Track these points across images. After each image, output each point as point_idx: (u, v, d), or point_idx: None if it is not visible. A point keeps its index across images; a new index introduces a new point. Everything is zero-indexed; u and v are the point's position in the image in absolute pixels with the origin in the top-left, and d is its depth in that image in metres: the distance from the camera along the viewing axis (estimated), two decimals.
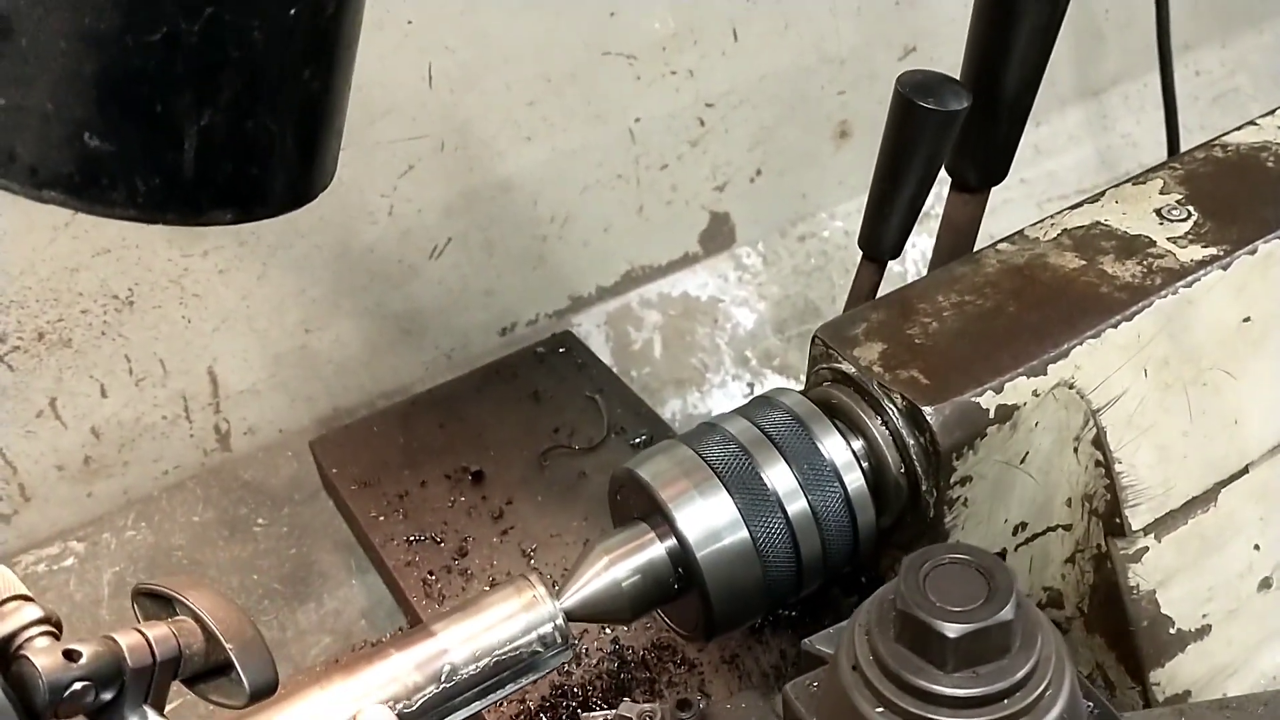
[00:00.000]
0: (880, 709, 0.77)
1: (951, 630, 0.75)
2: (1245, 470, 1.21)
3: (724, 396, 2.23)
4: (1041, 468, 1.14)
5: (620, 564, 1.04)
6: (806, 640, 0.91)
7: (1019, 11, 1.21)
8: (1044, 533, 1.19)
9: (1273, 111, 1.35)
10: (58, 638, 0.76)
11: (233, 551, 2.01)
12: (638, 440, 1.57)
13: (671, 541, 1.04)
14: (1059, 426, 1.12)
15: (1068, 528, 1.19)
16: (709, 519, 1.04)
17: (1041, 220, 1.25)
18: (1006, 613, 0.75)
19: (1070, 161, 2.71)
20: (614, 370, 1.74)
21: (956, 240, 1.37)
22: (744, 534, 1.04)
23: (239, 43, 0.75)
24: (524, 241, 2.14)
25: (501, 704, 1.27)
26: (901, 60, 2.40)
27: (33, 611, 0.76)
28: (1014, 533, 1.17)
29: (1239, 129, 1.33)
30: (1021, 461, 1.12)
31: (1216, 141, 1.31)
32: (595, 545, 1.05)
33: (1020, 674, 0.76)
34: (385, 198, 1.97)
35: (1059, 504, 1.17)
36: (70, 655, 0.74)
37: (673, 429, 1.66)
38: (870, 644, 0.79)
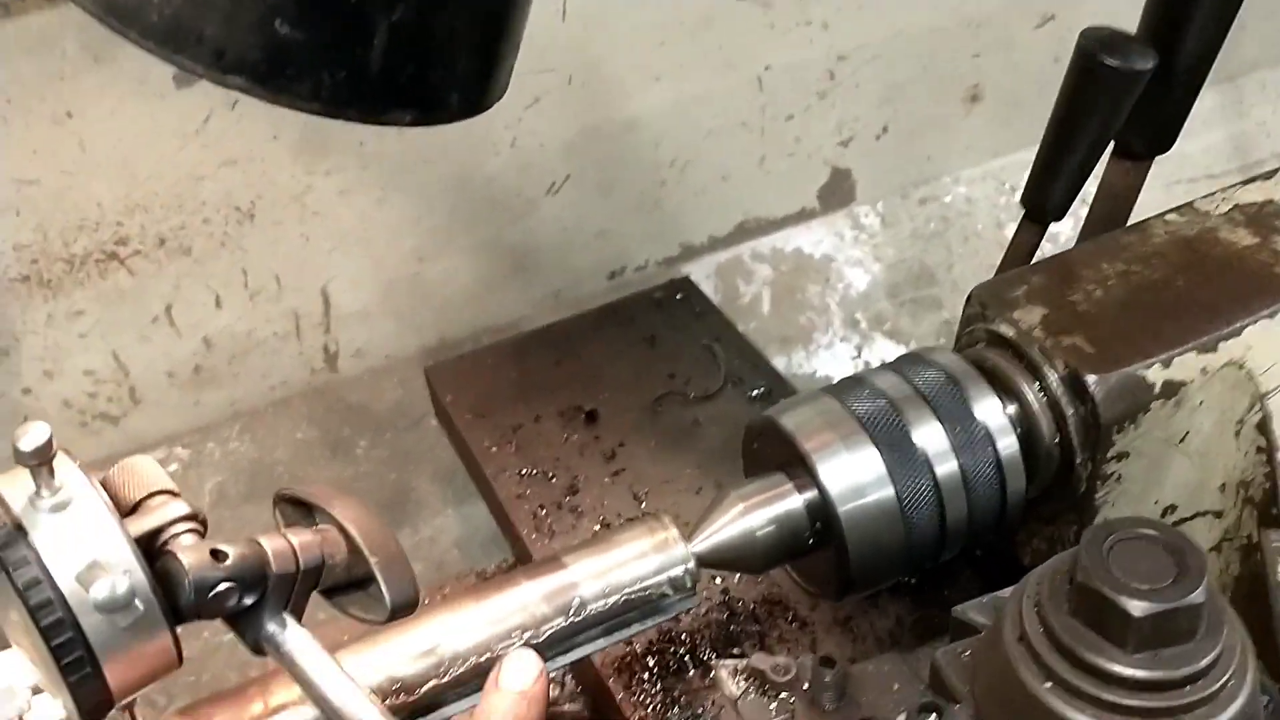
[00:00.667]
0: (1049, 684, 0.72)
1: (1137, 609, 0.69)
2: None
3: (830, 358, 2.18)
4: (1200, 449, 1.08)
5: (756, 513, 1.00)
6: (958, 608, 0.86)
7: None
8: (1192, 517, 1.12)
9: None
10: (203, 536, 0.73)
11: (333, 472, 2.00)
12: (754, 393, 1.52)
13: (812, 494, 1.00)
14: (1223, 408, 1.05)
15: (1218, 514, 1.12)
16: (854, 473, 0.99)
17: (1211, 194, 1.18)
18: (1197, 595, 0.70)
19: (1202, 145, 2.59)
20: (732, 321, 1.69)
21: (1113, 209, 1.30)
22: (889, 491, 0.99)
23: None
24: (641, 184, 2.09)
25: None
26: (1038, 29, 2.31)
27: (180, 507, 0.73)
28: (1162, 515, 1.10)
29: None
30: (1180, 441, 1.06)
31: None
32: (730, 492, 1.01)
33: (1205, 661, 0.70)
34: (509, 129, 1.93)
35: (1212, 488, 1.11)
36: (217, 555, 0.72)
37: (791, 384, 1.61)
38: (1041, 616, 0.74)
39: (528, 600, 0.93)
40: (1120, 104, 1.11)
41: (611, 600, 0.94)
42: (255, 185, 1.80)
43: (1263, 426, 1.06)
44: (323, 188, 1.85)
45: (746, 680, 0.94)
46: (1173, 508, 1.11)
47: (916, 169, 2.34)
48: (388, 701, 0.88)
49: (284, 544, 0.75)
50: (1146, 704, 0.70)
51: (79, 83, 1.62)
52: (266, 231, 1.85)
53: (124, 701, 0.77)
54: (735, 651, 1.21)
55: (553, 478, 1.41)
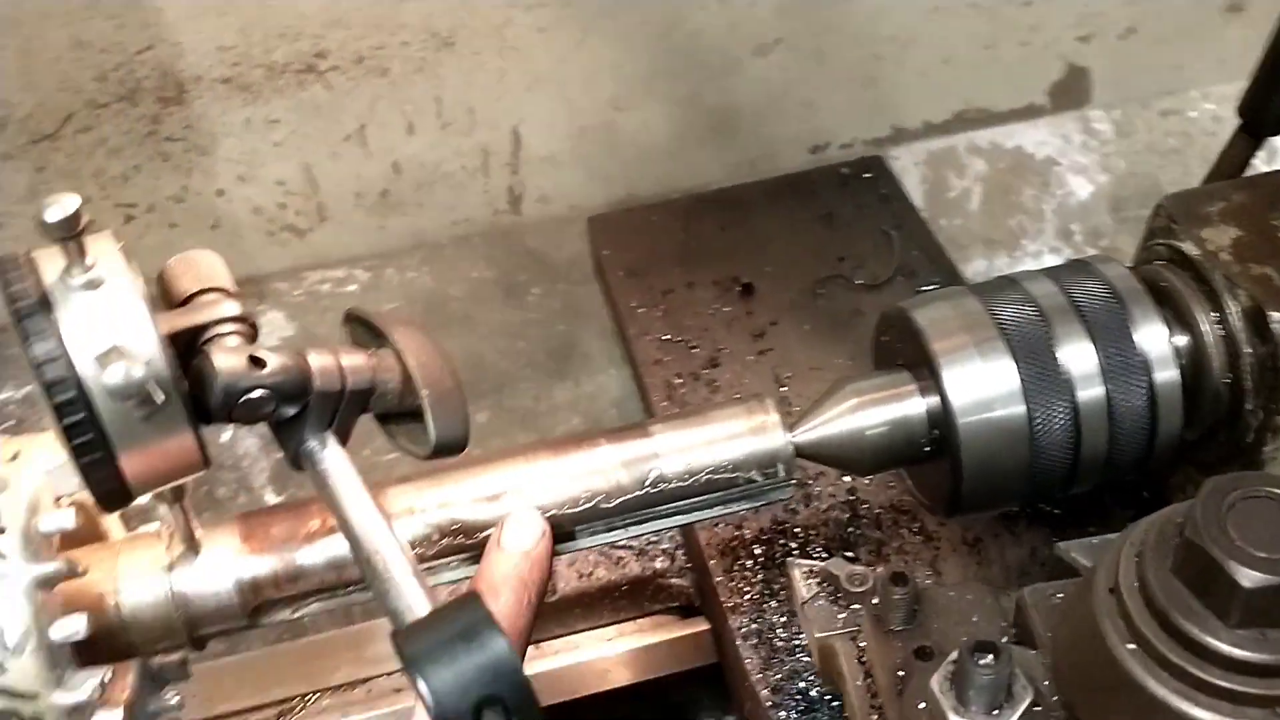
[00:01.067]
0: (1132, 645, 0.62)
1: (1248, 578, 0.58)
2: None
3: (1034, 267, 2.01)
4: None
5: (870, 410, 0.91)
6: (1062, 544, 0.76)
7: None
8: None
9: None
10: (252, 340, 0.71)
11: (505, 315, 1.99)
12: (926, 288, 1.41)
13: (934, 399, 0.90)
14: None
15: None
16: (983, 384, 0.88)
17: None
18: None
19: None
20: (919, 211, 1.56)
21: None
22: (1020, 410, 0.88)
23: None
24: (857, 57, 1.96)
25: (716, 525, 1.18)
26: None
27: (230, 307, 0.71)
28: None
29: None
30: None
31: None
32: (846, 384, 0.92)
33: None
34: None
35: None
36: (255, 362, 0.69)
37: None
38: (1139, 569, 0.63)
39: (605, 464, 0.87)
40: None
41: (693, 479, 0.87)
42: (456, 12, 1.77)
43: None
44: (523, 22, 1.80)
45: (819, 584, 0.87)
46: None
47: (1163, 78, 2.11)
48: (444, 541, 0.85)
49: (331, 362, 0.72)
50: (1242, 688, 0.59)
51: None
52: (464, 61, 1.82)
53: (169, 495, 0.76)
54: (848, 555, 1.14)
55: (695, 348, 1.35)
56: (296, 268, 1.95)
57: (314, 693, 1.29)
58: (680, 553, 1.31)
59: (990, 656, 0.65)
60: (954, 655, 0.66)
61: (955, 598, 0.81)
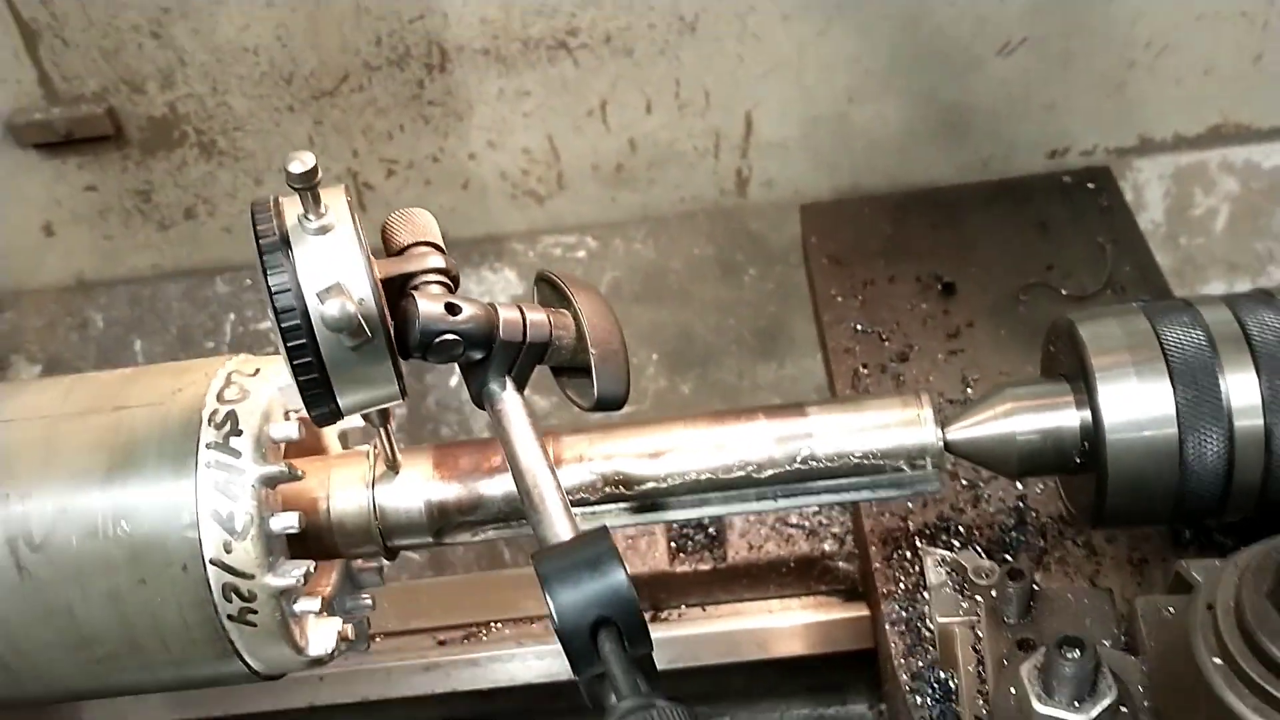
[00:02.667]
0: (1219, 660, 0.66)
1: None
2: None
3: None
4: None
5: (1023, 416, 0.96)
6: (1183, 562, 0.80)
7: None
8: None
9: None
10: (453, 290, 0.83)
11: (719, 292, 2.09)
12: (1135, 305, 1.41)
13: (1087, 413, 0.94)
14: None
15: None
16: (1137, 404, 0.92)
17: None
18: None
19: None
20: (1142, 226, 1.56)
21: None
22: (1172, 432, 0.91)
23: None
24: (1108, 61, 1.94)
25: (883, 514, 1.25)
26: None
27: (437, 260, 0.83)
28: None
29: None
30: None
31: None
32: (1004, 387, 0.97)
33: None
34: None
35: None
36: (451, 309, 0.81)
37: None
38: (1238, 589, 0.67)
39: (761, 438, 0.96)
40: None
41: (841, 461, 0.95)
42: None
43: None
44: (766, 9, 1.88)
45: (949, 572, 0.92)
46: None
47: None
48: (607, 489, 0.95)
49: (516, 316, 0.83)
50: None
51: None
52: (705, 45, 1.92)
53: (376, 418, 0.90)
54: (1006, 558, 1.18)
55: (886, 340, 1.41)
56: (533, 230, 2.10)
57: (498, 622, 1.43)
58: (849, 537, 1.38)
59: (1076, 651, 0.69)
60: (1045, 648, 0.72)
61: (1073, 600, 0.85)
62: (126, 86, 1.93)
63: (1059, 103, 1.97)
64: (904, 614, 1.17)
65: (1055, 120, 1.98)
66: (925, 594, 1.18)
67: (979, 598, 0.90)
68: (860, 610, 1.36)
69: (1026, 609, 0.84)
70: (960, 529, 1.23)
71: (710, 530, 1.40)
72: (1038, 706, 0.71)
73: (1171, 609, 0.76)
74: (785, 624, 1.37)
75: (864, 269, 1.50)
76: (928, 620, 1.15)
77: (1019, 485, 1.25)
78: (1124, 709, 0.71)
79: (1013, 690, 0.74)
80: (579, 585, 0.68)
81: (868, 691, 1.51)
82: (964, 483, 1.23)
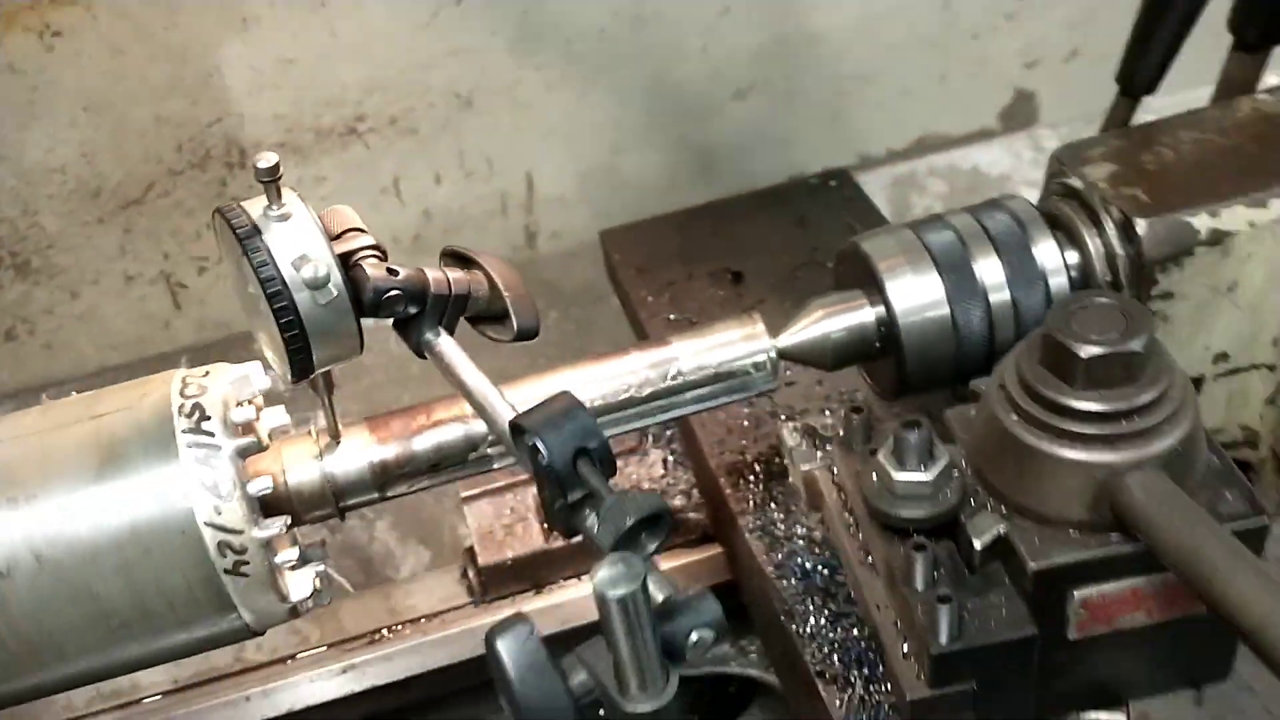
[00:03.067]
0: (1016, 417, 0.93)
1: (1085, 351, 0.89)
2: None
3: None
4: (1251, 302, 1.23)
5: (832, 319, 1.22)
6: (974, 381, 1.07)
7: None
8: (1247, 369, 1.28)
9: None
10: (383, 260, 1.02)
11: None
12: None
13: (881, 309, 1.21)
14: (1273, 264, 1.21)
15: (1271, 368, 1.27)
16: (917, 293, 1.20)
17: None
18: (1136, 344, 0.89)
19: None
20: (879, 209, 1.89)
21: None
22: (945, 312, 1.19)
23: None
24: (824, 95, 2.31)
25: (722, 452, 1.48)
26: None
27: (368, 239, 1.02)
28: (1214, 361, 1.26)
29: None
30: (1229, 290, 1.22)
31: None
32: (813, 300, 1.24)
33: (1141, 401, 0.90)
34: (700, 36, 2.18)
35: (1265, 341, 1.26)
36: (391, 271, 1.01)
37: None
38: (1018, 368, 0.95)
39: (637, 366, 1.19)
40: None
41: (703, 373, 1.19)
42: (474, 75, 2.12)
43: None
44: (532, 81, 2.15)
45: (802, 436, 1.17)
46: (1225, 355, 1.26)
47: (1105, 95, 2.46)
48: None
49: (441, 275, 1.04)
50: (1092, 431, 0.90)
51: None
52: (482, 118, 2.17)
53: (324, 386, 1.08)
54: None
55: (696, 322, 1.66)
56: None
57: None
58: (694, 491, 1.61)
59: (915, 428, 0.94)
60: (892, 434, 0.96)
61: (896, 419, 1.11)
62: None
63: (789, 135, 2.32)
64: (759, 522, 1.41)
65: (788, 150, 2.33)
66: (773, 505, 1.43)
67: (830, 447, 1.14)
68: (714, 550, 1.59)
69: (868, 437, 1.09)
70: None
71: None
72: (896, 475, 0.96)
73: (973, 411, 1.03)
74: None
75: (665, 272, 1.76)
76: (777, 524, 1.40)
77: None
78: (955, 471, 0.96)
79: (875, 474, 0.98)
80: (559, 428, 0.88)
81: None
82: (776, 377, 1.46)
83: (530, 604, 1.64)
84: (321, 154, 2.13)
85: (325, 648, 1.63)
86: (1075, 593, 0.93)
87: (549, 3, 2.08)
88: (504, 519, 1.64)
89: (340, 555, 2.06)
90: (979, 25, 2.31)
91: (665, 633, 0.83)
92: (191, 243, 2.15)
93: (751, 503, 1.43)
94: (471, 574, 1.65)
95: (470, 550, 1.65)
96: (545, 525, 1.61)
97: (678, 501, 1.61)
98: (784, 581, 1.34)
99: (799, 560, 1.36)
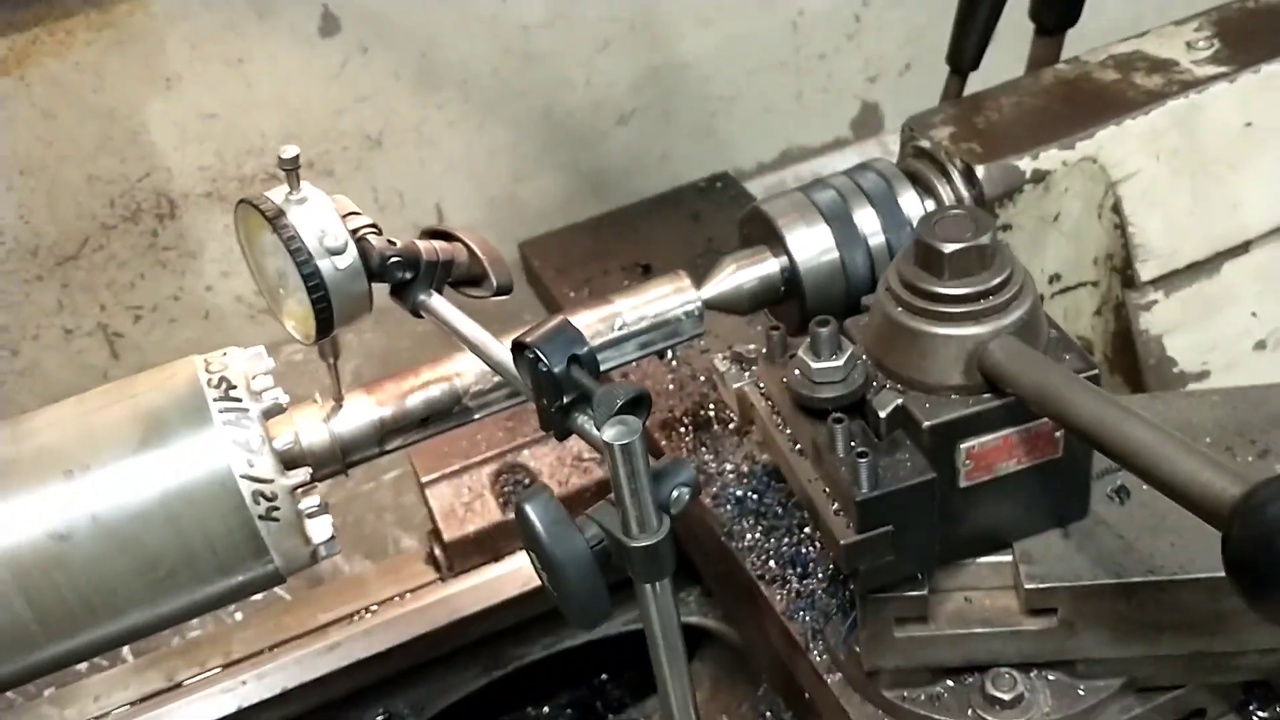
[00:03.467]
0: (900, 309, 1.21)
1: (947, 248, 1.18)
2: (1247, 248, 1.58)
3: None
4: (1072, 230, 1.54)
5: (743, 271, 1.49)
6: (864, 298, 1.35)
7: None
8: (1076, 287, 1.59)
9: None
10: (380, 233, 1.26)
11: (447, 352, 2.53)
12: None
13: (783, 259, 1.49)
14: (1086, 195, 1.52)
15: (1095, 284, 1.59)
16: (811, 243, 1.48)
17: (1095, 48, 1.65)
18: (985, 239, 1.18)
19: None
20: None
21: None
22: (835, 256, 1.48)
23: None
24: (696, 116, 2.61)
25: (654, 413, 1.74)
26: None
27: (367, 220, 1.26)
28: (1050, 282, 1.57)
29: None
30: (1054, 220, 1.53)
31: None
32: (726, 258, 1.51)
33: (994, 284, 1.18)
34: (583, 69, 2.47)
35: (1088, 263, 1.57)
36: (390, 243, 1.24)
37: None
38: (898, 271, 1.23)
39: (588, 320, 1.44)
40: None
41: (643, 324, 1.44)
42: (382, 117, 2.36)
43: (1116, 208, 1.52)
44: (435, 119, 2.40)
45: (731, 362, 1.43)
46: (1058, 276, 1.58)
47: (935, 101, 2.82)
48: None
49: (430, 245, 1.28)
50: (959, 311, 1.18)
51: (246, 33, 2.19)
52: (391, 155, 2.41)
53: (331, 351, 1.30)
54: None
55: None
56: (275, 342, 2.46)
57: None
58: None
59: (827, 325, 1.21)
60: (809, 332, 1.23)
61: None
62: None
63: (669, 153, 2.62)
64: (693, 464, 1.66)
65: (670, 166, 2.62)
66: (704, 448, 1.68)
67: (754, 368, 1.40)
68: None
69: (784, 350, 1.35)
70: (712, 407, 1.75)
71: (525, 481, 1.85)
72: (814, 364, 1.22)
73: (864, 319, 1.30)
74: None
75: (582, 271, 2.03)
76: (709, 464, 1.66)
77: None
78: (858, 361, 1.24)
79: (796, 370, 1.25)
80: (553, 340, 1.12)
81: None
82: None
83: (492, 572, 1.86)
84: None
85: (310, 632, 1.83)
86: (961, 445, 1.20)
87: (445, 48, 2.34)
88: (463, 497, 1.86)
89: (296, 583, 2.25)
90: (824, 46, 2.64)
91: (653, 492, 1.07)
92: (126, 293, 2.33)
93: (685, 450, 1.69)
94: (438, 551, 1.87)
95: (434, 530, 1.87)
96: (499, 499, 1.84)
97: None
98: (720, 509, 1.60)
99: (730, 490, 1.62)
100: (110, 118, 2.19)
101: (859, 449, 1.18)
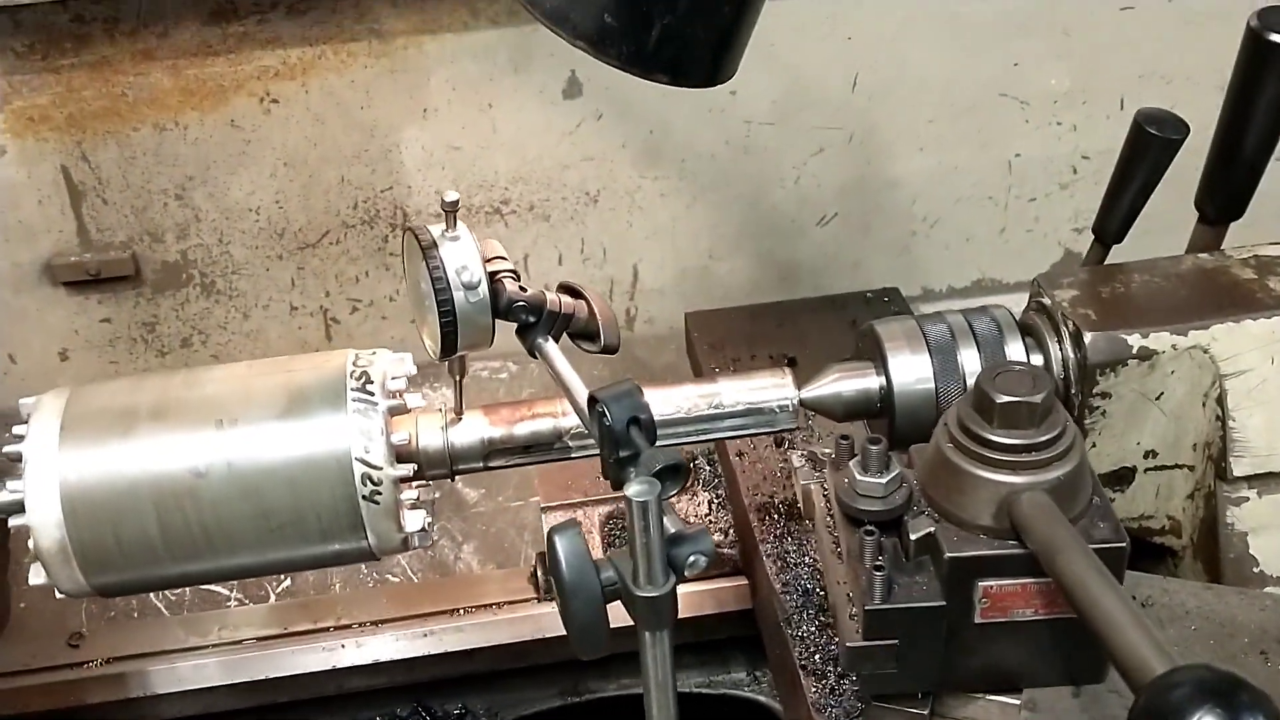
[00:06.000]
0: (951, 445, 1.30)
1: (1000, 398, 1.26)
2: None
3: None
4: (1174, 411, 1.58)
5: (845, 381, 1.60)
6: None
7: (1263, 81, 1.65)
8: (1173, 467, 1.62)
9: None
10: (518, 279, 1.44)
11: None
12: None
13: (883, 379, 1.59)
14: (1192, 380, 1.56)
15: (1191, 469, 1.62)
16: (911, 370, 1.57)
17: (1244, 245, 1.68)
18: (1036, 398, 1.26)
19: None
20: None
21: None
22: (930, 386, 1.56)
23: None
24: (896, 231, 2.71)
25: (756, 494, 1.85)
26: None
27: (508, 265, 1.44)
28: (1144, 456, 1.61)
29: None
30: (1157, 398, 1.57)
31: None
32: (833, 365, 1.62)
33: (1038, 440, 1.26)
34: (795, 169, 2.61)
35: (1187, 446, 1.60)
36: (521, 288, 1.42)
37: None
38: (957, 411, 1.32)
39: (690, 394, 1.58)
40: (1159, 164, 1.66)
41: (738, 406, 1.57)
42: (602, 178, 2.57)
43: (1220, 399, 1.55)
44: (649, 189, 2.59)
45: (805, 460, 1.53)
46: (1154, 453, 1.61)
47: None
48: None
49: (555, 297, 1.45)
50: (1000, 458, 1.26)
51: (501, 84, 2.43)
52: (604, 214, 2.61)
53: (458, 369, 1.49)
54: None
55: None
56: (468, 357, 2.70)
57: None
58: (731, 529, 1.98)
59: (878, 443, 1.31)
60: (860, 449, 1.33)
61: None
62: (149, 237, 2.49)
63: (862, 261, 2.72)
64: (775, 550, 1.77)
65: (860, 274, 2.72)
66: (789, 538, 1.79)
67: (825, 470, 1.51)
68: (741, 581, 1.94)
69: (850, 458, 1.45)
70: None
71: None
72: (860, 477, 1.32)
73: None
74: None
75: (732, 351, 2.16)
76: (790, 553, 1.76)
77: None
78: (903, 483, 1.32)
79: (845, 480, 1.35)
80: (620, 401, 1.26)
81: (746, 661, 2.09)
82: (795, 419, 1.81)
83: None
84: (470, 227, 2.57)
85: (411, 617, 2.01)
86: (979, 582, 1.28)
87: (673, 127, 2.53)
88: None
89: (429, 570, 2.45)
90: (1036, 190, 2.69)
91: (672, 553, 1.20)
92: (350, 285, 2.61)
93: (773, 535, 1.80)
94: (540, 574, 2.03)
95: (541, 554, 2.04)
96: (606, 541, 1.99)
97: (717, 538, 1.98)
98: (787, 596, 1.70)
99: (802, 582, 1.72)
100: (370, 133, 2.47)
101: (879, 562, 1.28)
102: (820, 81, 2.54)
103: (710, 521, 2.01)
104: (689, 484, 2.03)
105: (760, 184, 2.63)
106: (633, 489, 1.15)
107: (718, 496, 2.05)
